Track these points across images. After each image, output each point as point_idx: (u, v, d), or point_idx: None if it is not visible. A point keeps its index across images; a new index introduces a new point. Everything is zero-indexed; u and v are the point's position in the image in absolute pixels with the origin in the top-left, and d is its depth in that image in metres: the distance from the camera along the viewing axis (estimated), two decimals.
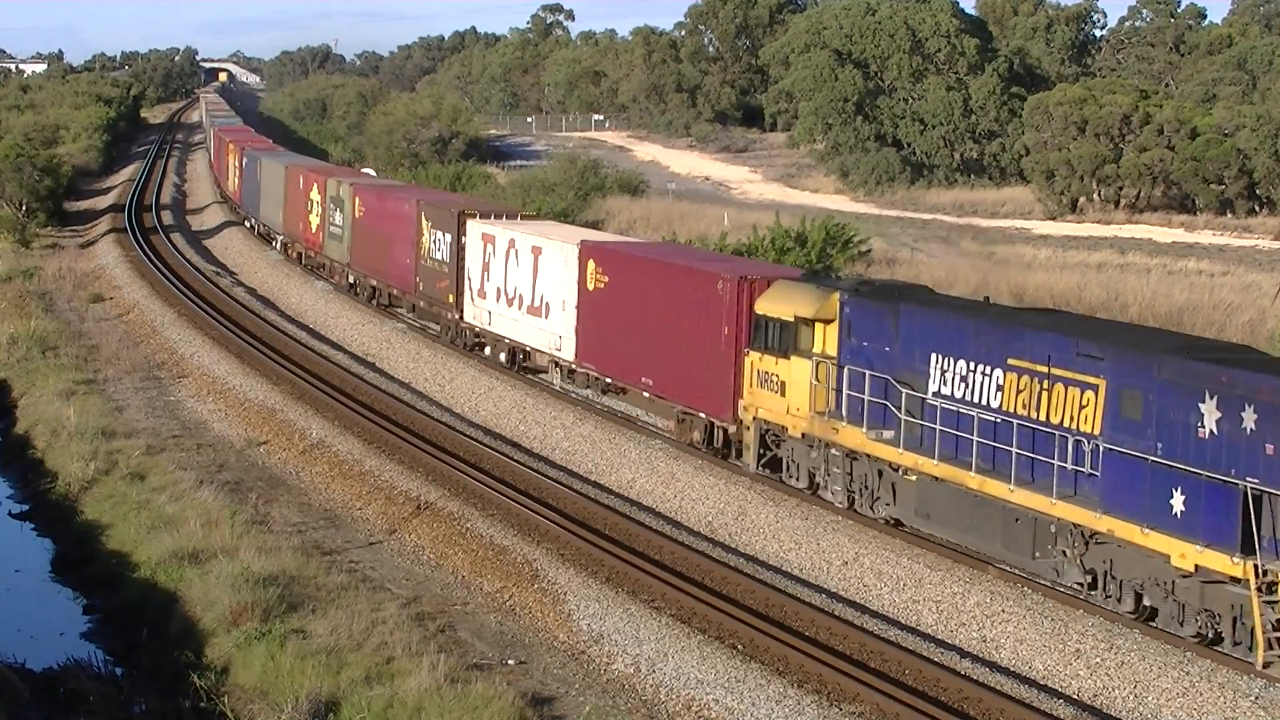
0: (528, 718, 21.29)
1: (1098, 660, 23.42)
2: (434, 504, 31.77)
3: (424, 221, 50.72)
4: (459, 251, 47.64)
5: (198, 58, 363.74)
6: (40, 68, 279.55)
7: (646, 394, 37.28)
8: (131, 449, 36.46)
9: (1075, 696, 22.93)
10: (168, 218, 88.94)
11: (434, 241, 49.82)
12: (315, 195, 64.28)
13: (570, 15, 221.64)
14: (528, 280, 43.20)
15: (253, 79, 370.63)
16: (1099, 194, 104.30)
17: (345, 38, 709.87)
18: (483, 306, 46.31)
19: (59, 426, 38.98)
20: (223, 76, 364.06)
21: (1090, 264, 70.30)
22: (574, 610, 25.71)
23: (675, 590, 26.18)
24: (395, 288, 54.50)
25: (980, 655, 24.45)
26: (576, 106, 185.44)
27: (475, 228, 47.03)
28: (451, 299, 48.39)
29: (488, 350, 46.12)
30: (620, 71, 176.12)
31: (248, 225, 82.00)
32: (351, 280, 59.68)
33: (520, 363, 44.48)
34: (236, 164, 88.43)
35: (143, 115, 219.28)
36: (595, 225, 71.99)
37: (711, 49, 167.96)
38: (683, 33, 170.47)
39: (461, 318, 47.82)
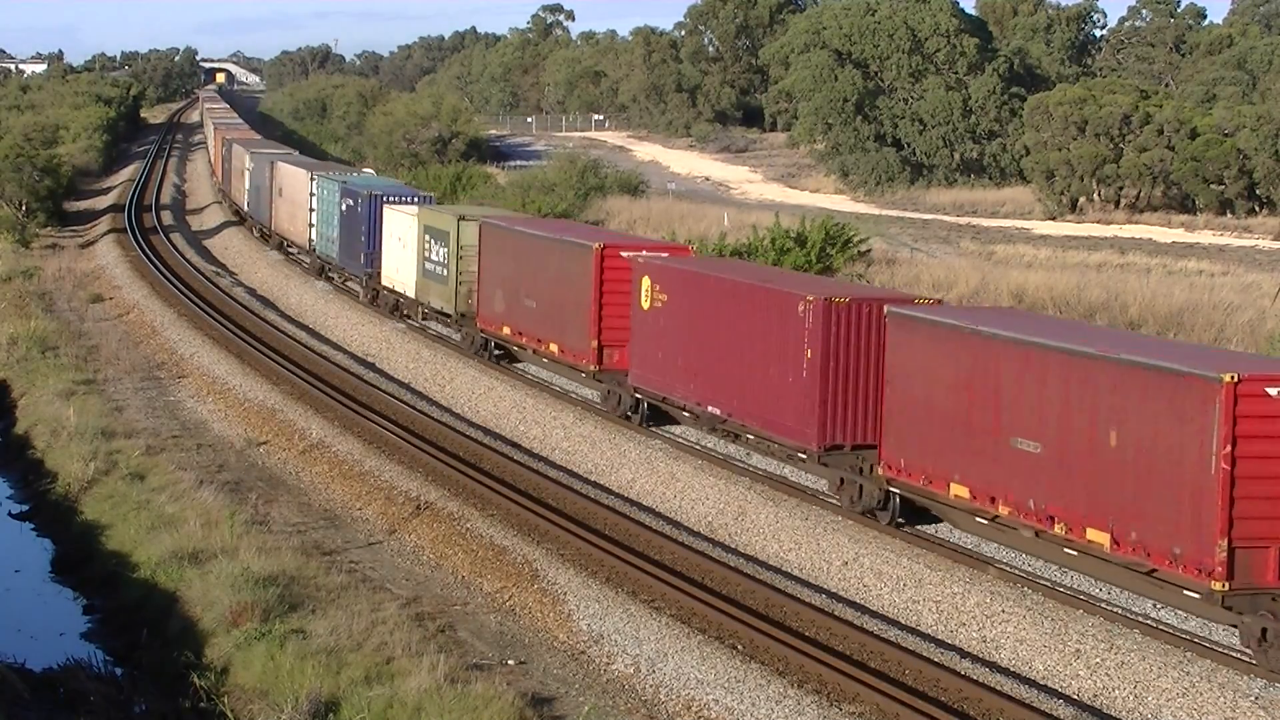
0: (528, 718, 21.27)
1: (1098, 660, 23.41)
2: (434, 504, 31.75)
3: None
4: None
5: (198, 58, 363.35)
6: (40, 68, 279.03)
7: None
8: (131, 449, 36.43)
9: (1075, 696, 22.92)
10: (167, 218, 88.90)
11: None
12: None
13: (570, 15, 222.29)
14: None
15: (252, 79, 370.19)
16: (1099, 194, 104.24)
17: (345, 38, 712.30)
18: None
19: (59, 426, 38.95)
20: (220, 77, 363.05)
21: (1090, 264, 70.20)
22: (574, 610, 25.69)
23: (675, 590, 26.16)
24: None
25: (980, 655, 24.44)
26: (576, 106, 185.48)
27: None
28: None
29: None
30: (620, 71, 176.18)
31: None
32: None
33: None
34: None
35: (142, 115, 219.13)
36: (595, 225, 71.97)
37: (711, 49, 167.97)
38: (683, 33, 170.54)
39: None
